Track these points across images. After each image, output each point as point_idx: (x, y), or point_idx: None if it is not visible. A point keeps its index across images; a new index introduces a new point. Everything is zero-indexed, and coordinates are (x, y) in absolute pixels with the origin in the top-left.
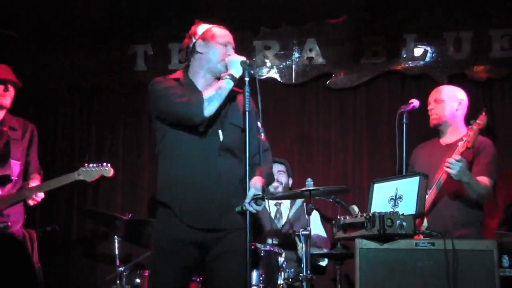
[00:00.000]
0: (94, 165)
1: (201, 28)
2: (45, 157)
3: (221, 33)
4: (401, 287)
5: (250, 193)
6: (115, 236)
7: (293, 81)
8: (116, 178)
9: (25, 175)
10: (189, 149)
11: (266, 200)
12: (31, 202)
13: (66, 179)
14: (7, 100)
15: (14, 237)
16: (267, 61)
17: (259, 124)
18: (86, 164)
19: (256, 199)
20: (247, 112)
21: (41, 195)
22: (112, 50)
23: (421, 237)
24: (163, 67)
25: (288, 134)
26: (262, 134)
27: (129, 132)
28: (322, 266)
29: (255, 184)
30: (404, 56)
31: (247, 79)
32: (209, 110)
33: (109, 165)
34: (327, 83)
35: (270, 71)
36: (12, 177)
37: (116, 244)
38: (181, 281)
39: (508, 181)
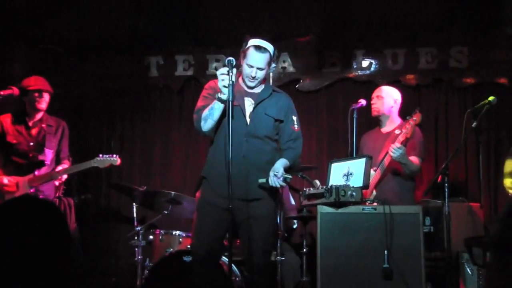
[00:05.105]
0: (107, 156)
1: (249, 43)
2: (79, 142)
3: (250, 57)
4: (352, 241)
5: (281, 171)
6: (134, 203)
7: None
8: (135, 159)
9: (58, 160)
10: (223, 137)
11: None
12: (56, 183)
13: (84, 166)
14: (42, 105)
15: (50, 202)
16: None
17: (293, 117)
18: (100, 155)
19: (286, 177)
20: (231, 121)
21: (65, 176)
22: (132, 61)
23: (367, 204)
24: (171, 74)
25: None
26: (296, 126)
27: (145, 124)
28: (293, 228)
29: (279, 166)
30: (354, 67)
31: (231, 100)
32: (206, 127)
33: (117, 156)
34: (297, 86)
35: None
36: (46, 162)
37: (134, 209)
38: (213, 234)
39: (429, 162)
